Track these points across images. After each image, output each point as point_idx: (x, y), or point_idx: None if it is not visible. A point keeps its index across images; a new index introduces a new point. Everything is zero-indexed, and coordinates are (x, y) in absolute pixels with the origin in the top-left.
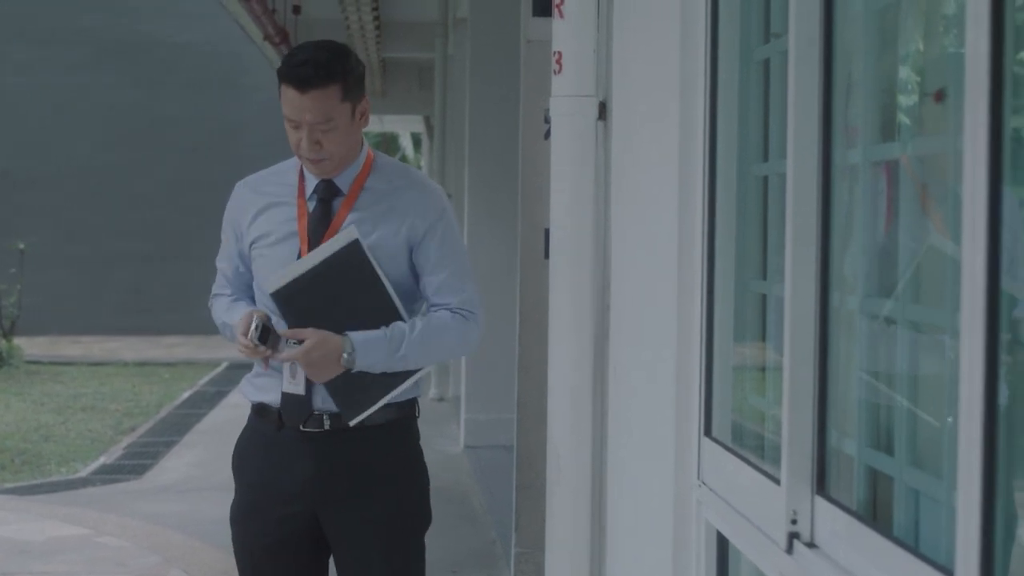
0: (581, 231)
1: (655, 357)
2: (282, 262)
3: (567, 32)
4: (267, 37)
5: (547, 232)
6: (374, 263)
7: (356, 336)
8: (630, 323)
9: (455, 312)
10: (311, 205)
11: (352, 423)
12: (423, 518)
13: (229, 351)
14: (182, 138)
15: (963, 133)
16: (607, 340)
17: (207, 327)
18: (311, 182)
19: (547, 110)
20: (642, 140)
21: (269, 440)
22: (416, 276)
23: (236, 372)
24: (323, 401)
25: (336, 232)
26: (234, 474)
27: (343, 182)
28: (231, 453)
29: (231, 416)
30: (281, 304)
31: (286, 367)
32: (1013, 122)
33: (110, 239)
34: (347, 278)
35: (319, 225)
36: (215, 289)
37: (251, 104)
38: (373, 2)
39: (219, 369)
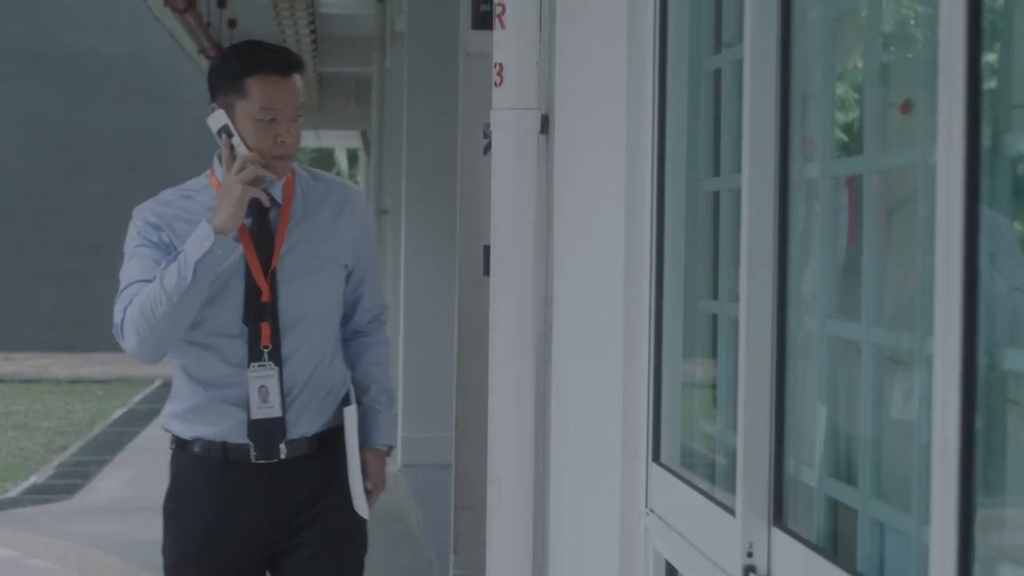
0: (522, 248)
1: (600, 379)
2: (230, 285)
3: (508, 42)
4: (202, 51)
5: (487, 249)
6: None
7: (380, 433)
8: (574, 343)
9: (381, 328)
10: (247, 221)
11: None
12: (364, 542)
13: (163, 369)
14: (110, 151)
15: (936, 145)
16: (550, 361)
17: None
18: None
19: (487, 124)
20: (587, 154)
21: (219, 477)
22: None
23: (170, 390)
24: (290, 427)
25: (281, 243)
26: (173, 520)
27: (275, 191)
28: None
29: (166, 435)
30: None
31: (253, 392)
32: (988, 134)
33: (38, 254)
34: None
35: (262, 240)
36: (126, 297)
37: (181, 117)
38: (310, 16)
39: (153, 387)
